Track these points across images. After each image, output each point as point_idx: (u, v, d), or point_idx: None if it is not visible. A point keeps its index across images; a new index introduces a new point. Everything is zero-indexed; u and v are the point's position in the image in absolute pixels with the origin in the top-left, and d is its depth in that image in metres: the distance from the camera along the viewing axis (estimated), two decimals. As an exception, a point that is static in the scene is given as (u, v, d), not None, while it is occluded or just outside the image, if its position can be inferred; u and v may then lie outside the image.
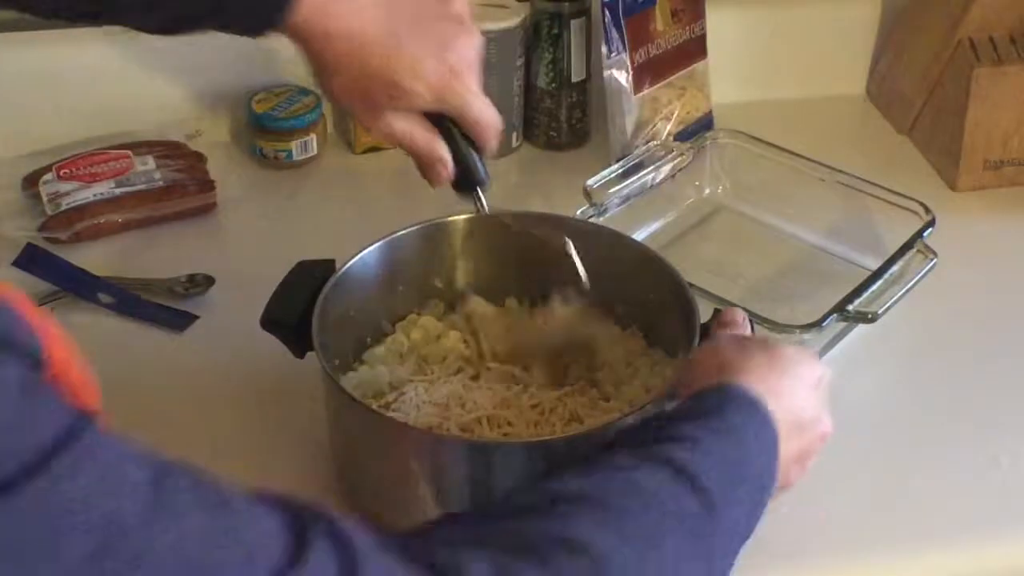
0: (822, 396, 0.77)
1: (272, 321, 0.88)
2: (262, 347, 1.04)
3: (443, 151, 0.85)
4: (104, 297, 1.09)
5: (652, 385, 0.90)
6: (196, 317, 1.08)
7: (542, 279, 0.98)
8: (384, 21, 0.79)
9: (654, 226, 1.20)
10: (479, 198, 0.90)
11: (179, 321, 1.08)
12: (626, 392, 0.91)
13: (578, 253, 0.93)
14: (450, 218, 0.96)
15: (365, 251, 0.92)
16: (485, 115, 0.85)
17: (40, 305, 1.08)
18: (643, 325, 0.96)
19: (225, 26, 0.80)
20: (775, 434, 0.70)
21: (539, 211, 1.03)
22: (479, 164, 0.89)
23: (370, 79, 0.80)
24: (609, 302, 0.97)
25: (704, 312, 0.89)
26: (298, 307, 0.86)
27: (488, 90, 1.28)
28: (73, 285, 1.09)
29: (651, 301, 0.94)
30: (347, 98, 0.82)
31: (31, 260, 1.10)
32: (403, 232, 0.94)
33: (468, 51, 0.82)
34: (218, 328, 1.07)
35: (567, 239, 0.92)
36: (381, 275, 0.94)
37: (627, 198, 1.15)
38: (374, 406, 0.88)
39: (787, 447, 0.71)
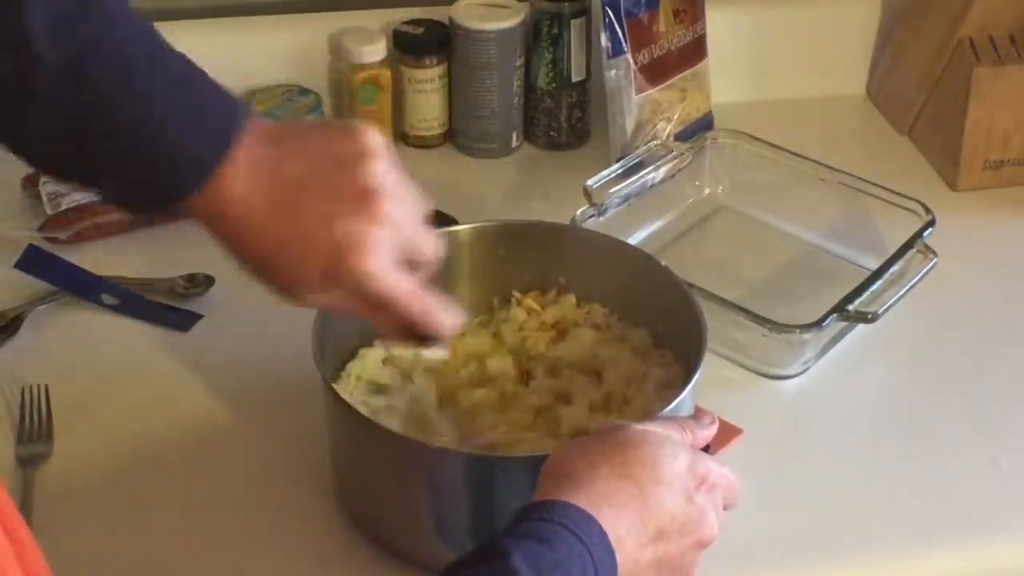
0: (707, 500, 0.71)
1: None
2: (263, 347, 1.04)
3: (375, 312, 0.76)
4: (107, 298, 1.09)
5: (662, 395, 0.90)
6: (200, 316, 1.08)
7: (543, 289, 0.99)
8: (269, 195, 0.71)
9: (654, 226, 1.20)
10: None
11: (183, 321, 1.08)
12: (635, 405, 0.91)
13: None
14: (449, 228, 0.96)
15: None
16: (383, 292, 0.73)
17: (40, 305, 1.08)
18: (650, 330, 0.96)
19: (119, 194, 0.73)
20: (605, 547, 0.66)
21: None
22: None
23: (262, 262, 0.73)
24: (616, 310, 0.97)
25: (705, 312, 0.89)
26: None
27: (488, 90, 1.30)
28: (76, 286, 1.09)
29: (657, 308, 0.94)
30: (257, 278, 0.75)
31: (33, 261, 1.10)
32: None
33: (362, 228, 0.71)
34: (218, 328, 1.07)
35: None
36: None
37: (627, 198, 1.15)
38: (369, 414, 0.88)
39: (639, 555, 0.68)
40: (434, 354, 0.88)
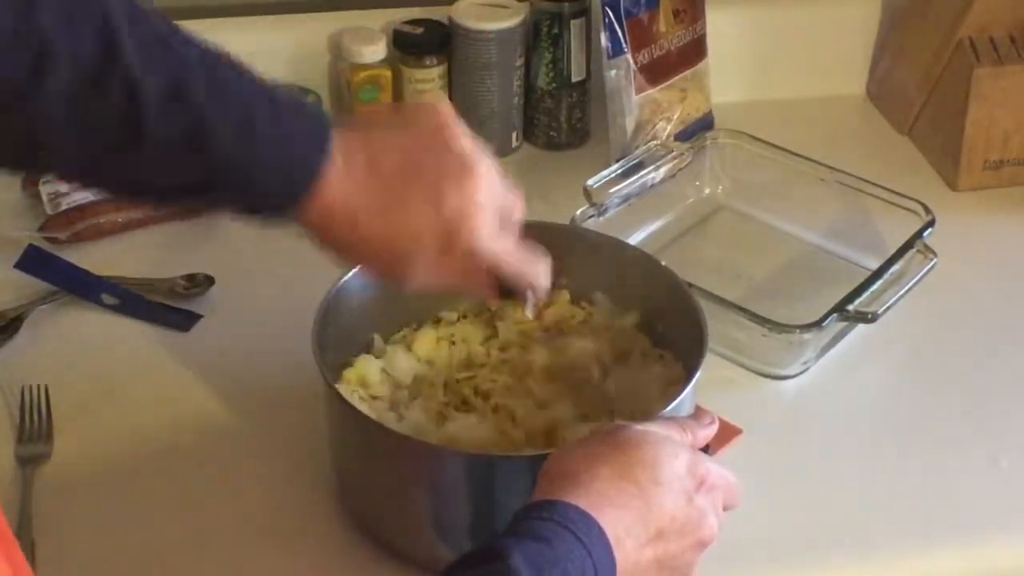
0: (707, 500, 0.72)
1: None
2: (264, 346, 1.04)
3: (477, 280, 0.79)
4: (108, 298, 1.09)
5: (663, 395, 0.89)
6: (200, 316, 1.08)
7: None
8: (374, 189, 0.73)
9: (654, 226, 1.20)
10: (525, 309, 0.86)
11: (183, 321, 1.08)
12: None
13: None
14: None
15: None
16: (504, 259, 0.77)
17: (40, 306, 1.08)
18: (651, 331, 0.96)
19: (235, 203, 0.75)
20: (604, 547, 0.66)
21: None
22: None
23: (380, 258, 0.75)
24: (617, 310, 0.97)
25: (705, 312, 0.89)
26: None
27: (488, 90, 1.30)
28: (76, 286, 1.09)
29: (657, 308, 0.94)
30: (369, 268, 0.79)
31: (34, 262, 1.10)
32: None
33: (472, 191, 0.74)
34: (218, 328, 1.07)
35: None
36: (377, 286, 0.93)
37: (627, 198, 1.15)
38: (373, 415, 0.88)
39: (639, 555, 0.68)
40: (528, 312, 0.87)
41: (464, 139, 0.75)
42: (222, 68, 0.72)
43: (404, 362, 0.94)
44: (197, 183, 0.71)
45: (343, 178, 0.72)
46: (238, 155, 0.70)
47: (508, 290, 0.81)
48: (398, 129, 0.75)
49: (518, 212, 0.79)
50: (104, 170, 0.71)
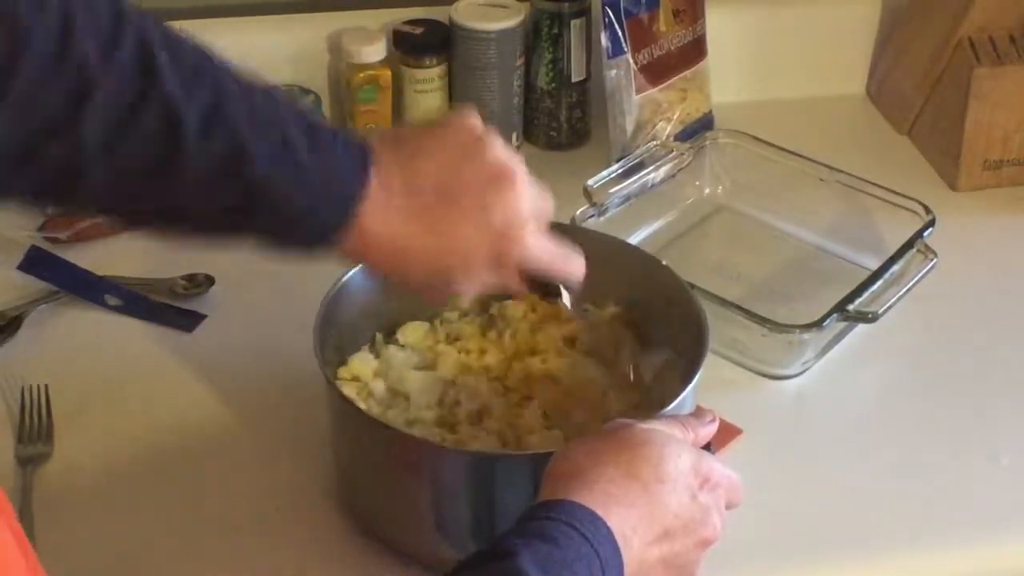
0: (710, 499, 0.72)
1: None
2: (264, 346, 1.04)
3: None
4: (111, 299, 1.09)
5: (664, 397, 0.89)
6: (204, 316, 1.08)
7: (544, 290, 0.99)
8: (415, 212, 0.72)
9: (654, 226, 1.20)
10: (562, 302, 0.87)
11: (187, 321, 1.08)
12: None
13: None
14: None
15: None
16: (547, 260, 0.78)
17: (40, 305, 1.08)
18: (649, 330, 0.96)
19: (269, 235, 0.74)
20: (611, 546, 0.66)
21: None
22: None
23: (427, 277, 0.75)
24: (615, 308, 0.97)
25: (705, 312, 0.89)
26: None
27: (488, 90, 1.30)
28: (78, 288, 1.09)
29: (657, 307, 0.94)
30: (419, 292, 0.78)
31: (35, 263, 1.10)
32: None
33: (511, 205, 0.74)
34: (218, 328, 1.07)
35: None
36: (378, 285, 0.93)
37: (627, 198, 1.16)
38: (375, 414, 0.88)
39: (645, 553, 0.68)
40: (566, 303, 0.87)
41: (498, 148, 0.75)
42: (259, 93, 0.71)
43: (402, 366, 0.94)
44: (234, 209, 0.71)
45: (382, 203, 0.72)
46: (276, 180, 0.70)
47: (542, 285, 0.83)
48: (432, 147, 0.75)
49: (550, 209, 0.80)
50: (141, 198, 0.70)
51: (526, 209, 0.75)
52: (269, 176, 0.69)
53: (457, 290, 0.76)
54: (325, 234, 0.72)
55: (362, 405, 0.88)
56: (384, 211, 0.72)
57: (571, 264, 0.81)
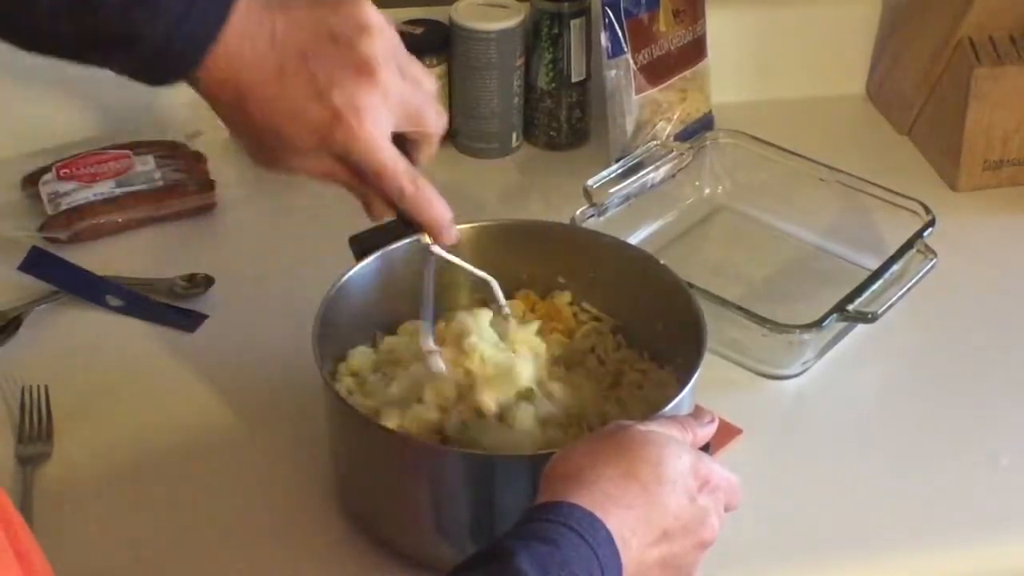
0: (709, 500, 0.72)
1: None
2: (264, 346, 1.04)
3: (368, 192, 0.78)
4: (112, 300, 1.09)
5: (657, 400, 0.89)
6: (205, 316, 1.08)
7: (544, 287, 0.99)
8: (265, 61, 0.72)
9: (654, 226, 1.20)
10: (425, 244, 0.83)
11: (188, 321, 1.08)
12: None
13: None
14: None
15: (364, 263, 0.92)
16: (376, 162, 0.75)
17: (39, 305, 1.08)
18: (648, 330, 0.96)
19: (121, 61, 0.73)
20: (610, 548, 0.66)
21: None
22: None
23: (260, 132, 0.74)
24: (615, 310, 0.97)
25: (705, 312, 0.89)
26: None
27: (488, 90, 1.30)
28: (80, 289, 1.09)
29: (657, 308, 0.94)
30: (246, 145, 0.77)
31: (36, 263, 1.10)
32: (400, 244, 0.92)
33: (361, 95, 0.73)
34: (218, 328, 1.07)
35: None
36: (377, 285, 0.93)
37: (627, 198, 1.15)
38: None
39: (644, 555, 0.68)
40: (438, 250, 0.85)
41: (378, 41, 0.74)
42: None
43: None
44: (91, 36, 0.70)
45: (239, 50, 0.72)
46: (133, 8, 0.69)
47: (409, 221, 0.79)
48: (311, 14, 0.74)
49: (432, 125, 0.78)
50: (10, 24, 0.71)
51: (371, 108, 0.73)
52: (125, 4, 0.69)
53: (284, 162, 0.75)
54: (179, 65, 0.71)
55: (359, 401, 0.88)
56: (242, 53, 0.72)
57: (425, 200, 0.78)
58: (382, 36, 0.75)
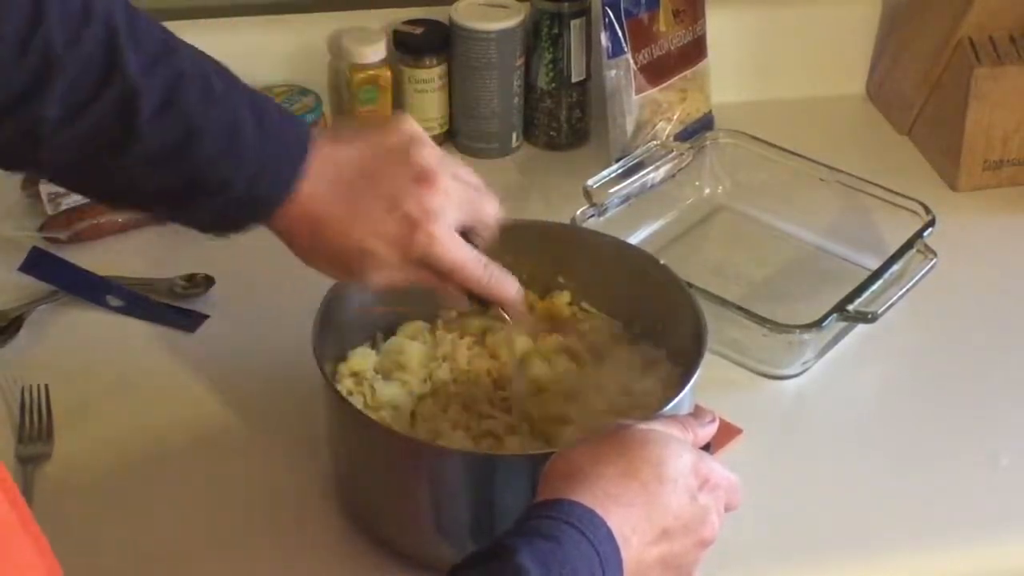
0: (710, 499, 0.72)
1: None
2: (264, 346, 1.04)
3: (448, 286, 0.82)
4: (112, 300, 1.09)
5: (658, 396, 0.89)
6: (206, 316, 1.08)
7: (544, 287, 0.99)
8: (336, 192, 0.77)
9: (654, 226, 1.20)
10: (503, 317, 0.87)
11: (189, 322, 1.07)
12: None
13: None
14: None
15: None
16: (454, 260, 0.79)
17: (40, 305, 1.08)
18: (650, 330, 0.96)
19: (205, 219, 0.79)
20: (611, 545, 0.67)
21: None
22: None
23: (337, 254, 0.78)
24: (615, 310, 0.97)
25: (705, 312, 0.89)
26: None
27: (488, 90, 1.30)
28: (80, 289, 1.09)
29: (657, 308, 0.94)
30: (331, 273, 0.82)
31: (37, 263, 1.10)
32: None
33: (427, 199, 0.77)
34: (218, 328, 1.07)
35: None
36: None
37: (627, 198, 1.15)
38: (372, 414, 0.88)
39: (644, 553, 0.69)
40: (508, 323, 0.88)
41: (427, 151, 0.79)
42: (215, 76, 0.76)
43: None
44: (182, 186, 0.75)
45: (313, 187, 0.76)
46: (224, 159, 0.74)
47: (482, 300, 0.84)
48: (365, 142, 0.79)
49: (490, 214, 0.82)
50: (95, 170, 0.75)
51: (439, 211, 0.78)
52: (217, 154, 0.74)
53: (366, 274, 0.79)
54: (262, 210, 0.77)
55: (360, 400, 0.88)
56: (313, 193, 0.76)
57: (498, 283, 0.82)
58: (430, 144, 0.80)
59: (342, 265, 0.79)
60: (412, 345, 0.94)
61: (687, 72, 1.31)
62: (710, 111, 1.35)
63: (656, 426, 0.74)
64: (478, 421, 0.90)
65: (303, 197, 0.76)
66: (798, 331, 1.00)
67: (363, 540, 0.87)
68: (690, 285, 0.95)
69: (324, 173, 0.77)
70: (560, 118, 1.34)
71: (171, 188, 0.75)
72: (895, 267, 1.07)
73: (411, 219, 0.77)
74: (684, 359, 0.89)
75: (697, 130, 1.30)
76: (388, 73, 1.28)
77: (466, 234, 0.81)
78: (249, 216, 0.77)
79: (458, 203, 0.79)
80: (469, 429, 0.89)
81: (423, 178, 0.78)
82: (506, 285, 0.83)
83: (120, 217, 1.18)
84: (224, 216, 0.77)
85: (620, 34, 1.24)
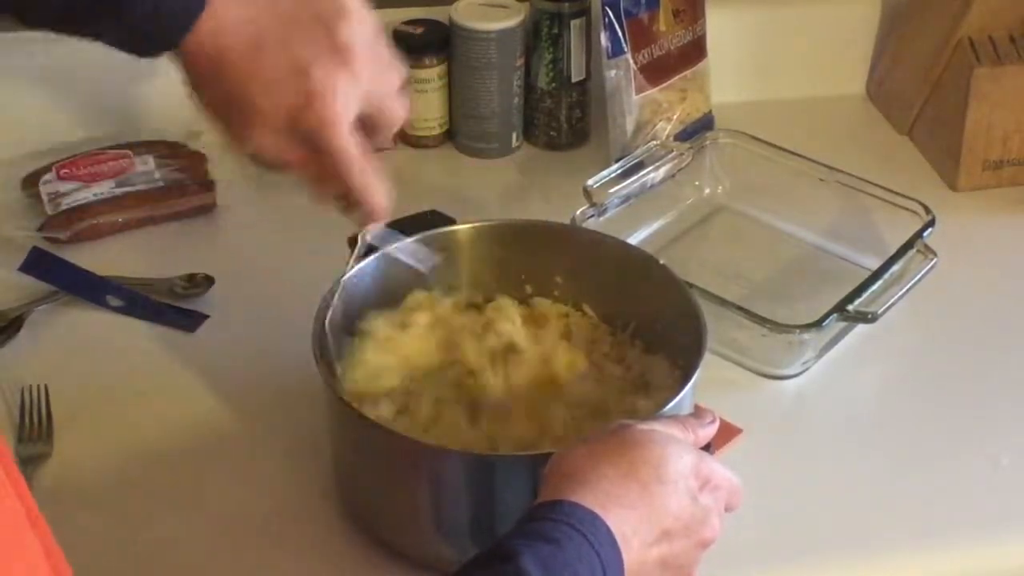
0: (711, 500, 0.72)
1: None
2: (264, 346, 1.04)
3: (319, 172, 0.79)
4: (112, 300, 1.09)
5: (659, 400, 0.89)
6: (206, 316, 1.08)
7: (538, 289, 0.99)
8: (248, 31, 0.74)
9: (654, 226, 1.20)
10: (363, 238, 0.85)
11: (189, 322, 1.07)
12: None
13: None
14: (448, 228, 0.96)
15: (364, 263, 0.92)
16: (338, 145, 0.76)
17: (40, 306, 1.08)
18: (648, 333, 0.96)
19: (115, 34, 0.75)
20: (612, 547, 0.67)
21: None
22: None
23: (228, 99, 0.75)
24: (614, 312, 0.97)
25: (705, 312, 0.89)
26: None
27: (488, 90, 1.30)
28: (81, 289, 1.09)
29: (657, 308, 0.94)
30: (214, 120, 0.78)
31: (37, 264, 1.10)
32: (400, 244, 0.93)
33: (335, 77, 0.74)
34: (217, 328, 1.07)
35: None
36: (377, 285, 0.93)
37: (627, 198, 1.15)
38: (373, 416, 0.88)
39: (645, 554, 0.69)
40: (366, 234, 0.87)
41: (356, 26, 0.76)
42: None
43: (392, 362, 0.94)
44: (81, 6, 0.72)
45: (226, 17, 0.73)
46: None
47: (347, 205, 0.81)
48: None
49: (396, 115, 0.80)
50: None
51: (347, 95, 0.75)
52: None
53: (247, 130, 0.76)
54: (170, 27, 0.73)
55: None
56: (225, 15, 0.73)
57: (369, 180, 0.79)
58: (362, 22, 0.76)
59: (229, 117, 0.76)
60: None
61: (687, 72, 1.31)
62: (710, 111, 1.34)
63: (657, 426, 0.74)
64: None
65: (210, 29, 0.73)
66: (798, 331, 1.00)
67: (363, 540, 0.87)
68: (690, 285, 0.95)
69: (241, 9, 0.73)
70: (560, 118, 1.34)
71: (70, 16, 0.73)
72: (895, 267, 1.07)
73: (312, 91, 0.74)
74: (684, 359, 0.89)
75: (697, 130, 1.30)
76: (388, 73, 1.28)
77: (365, 127, 0.78)
78: (158, 33, 0.73)
79: (366, 92, 0.76)
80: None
81: (340, 52, 0.74)
82: (378, 188, 0.80)
83: (120, 217, 1.18)
84: (133, 33, 0.74)
85: (620, 34, 1.24)
